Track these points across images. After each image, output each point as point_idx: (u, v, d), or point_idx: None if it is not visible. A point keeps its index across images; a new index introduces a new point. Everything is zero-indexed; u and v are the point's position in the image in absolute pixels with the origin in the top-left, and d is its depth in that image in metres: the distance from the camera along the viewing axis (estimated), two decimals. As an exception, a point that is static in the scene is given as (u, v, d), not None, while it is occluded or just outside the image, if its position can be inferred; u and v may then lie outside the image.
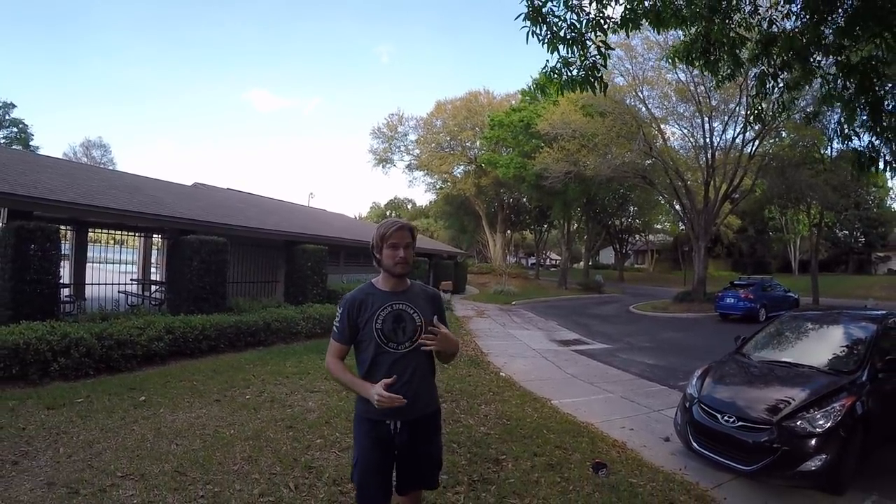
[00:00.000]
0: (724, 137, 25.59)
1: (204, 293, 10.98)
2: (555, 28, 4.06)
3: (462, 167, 43.40)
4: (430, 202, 59.45)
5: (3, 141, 45.59)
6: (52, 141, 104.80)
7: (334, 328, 2.84)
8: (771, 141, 24.91)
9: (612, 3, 4.18)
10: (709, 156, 25.29)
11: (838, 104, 4.90)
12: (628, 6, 4.26)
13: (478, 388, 7.93)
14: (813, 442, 4.54)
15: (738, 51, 5.34)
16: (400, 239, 2.75)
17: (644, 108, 25.65)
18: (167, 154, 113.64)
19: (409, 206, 77.82)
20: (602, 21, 4.13)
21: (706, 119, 24.67)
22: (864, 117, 4.67)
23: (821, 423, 4.60)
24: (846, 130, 4.77)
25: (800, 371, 5.54)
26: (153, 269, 18.70)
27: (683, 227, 33.69)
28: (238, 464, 4.61)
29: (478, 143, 40.84)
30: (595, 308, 25.50)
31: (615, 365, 10.91)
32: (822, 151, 24.11)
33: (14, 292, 8.59)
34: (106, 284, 11.85)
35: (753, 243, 56.75)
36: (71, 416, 5.71)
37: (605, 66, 4.33)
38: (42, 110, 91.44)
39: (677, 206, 28.53)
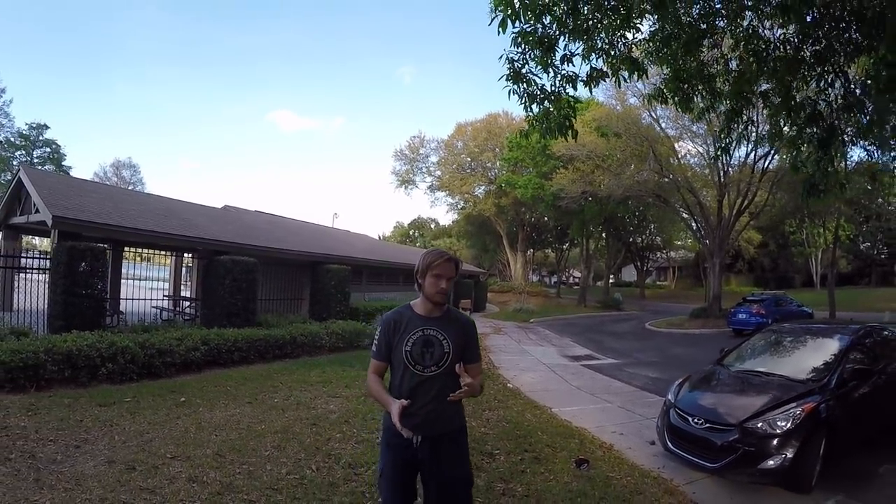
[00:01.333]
0: (736, 155, 26.04)
1: (235, 309, 11.90)
2: (529, 89, 4.84)
3: (483, 187, 44.21)
4: (453, 222, 60.19)
5: (36, 161, 47.45)
6: (82, 161, 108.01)
7: (373, 346, 3.01)
8: (783, 157, 25.29)
9: (585, 61, 4.95)
10: (721, 173, 25.72)
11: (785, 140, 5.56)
12: (594, 67, 5.01)
13: (484, 397, 8.58)
14: (773, 442, 5.05)
15: (714, 84, 6.02)
16: (444, 271, 2.87)
17: (658, 127, 26.25)
18: (192, 174, 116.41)
19: (433, 226, 78.55)
20: (570, 78, 4.89)
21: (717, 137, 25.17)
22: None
23: (780, 424, 5.12)
24: (796, 164, 5.45)
25: (769, 379, 6.06)
26: (184, 286, 19.74)
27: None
28: (268, 451, 5.42)
29: (497, 164, 41.66)
30: (611, 325, 25.93)
31: (620, 378, 11.47)
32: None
33: (66, 305, 9.60)
34: (141, 300, 12.83)
35: (775, 258, 56.27)
36: (121, 412, 6.56)
37: (574, 118, 5.08)
38: (72, 130, 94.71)
39: (692, 223, 28.93)
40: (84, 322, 9.36)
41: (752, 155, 24.64)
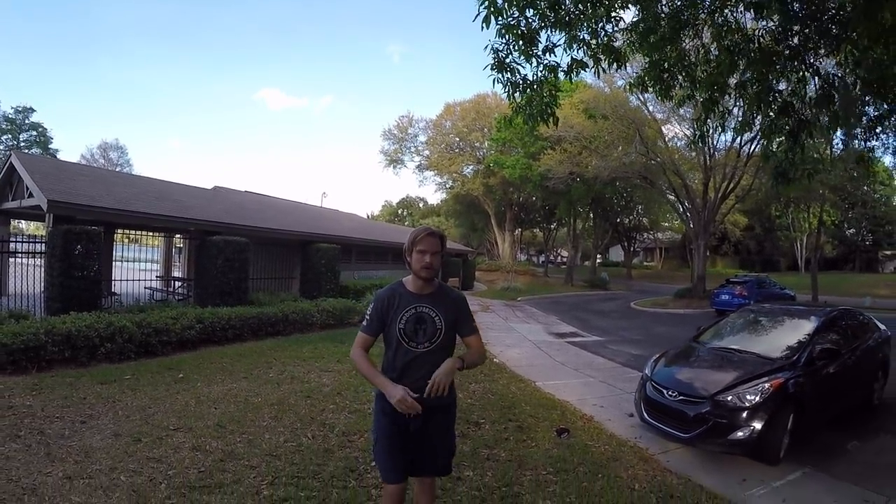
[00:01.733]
0: (722, 139, 26.38)
1: (228, 288, 12.14)
2: (513, 78, 5.08)
3: (471, 167, 44.30)
4: (441, 201, 60.24)
5: (23, 144, 46.96)
6: (69, 144, 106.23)
7: (364, 320, 3.06)
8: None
9: (567, 51, 5.19)
10: (707, 156, 26.07)
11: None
12: (574, 58, 5.25)
13: (471, 371, 8.90)
14: (742, 414, 5.35)
15: (694, 73, 6.27)
16: (428, 246, 2.92)
17: (645, 110, 26.50)
18: (180, 154, 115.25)
19: (421, 205, 78.49)
20: (552, 68, 5.13)
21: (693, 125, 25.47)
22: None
23: (749, 398, 5.41)
24: (767, 153, 5.74)
25: (742, 356, 6.37)
26: (175, 267, 19.92)
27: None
28: (266, 421, 5.74)
29: (486, 144, 41.76)
30: (597, 304, 26.36)
31: (603, 355, 11.83)
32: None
33: (63, 287, 9.78)
34: (134, 281, 13.02)
35: (761, 241, 56.97)
36: (122, 389, 6.81)
37: (557, 106, 5.33)
38: (56, 113, 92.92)
39: (678, 206, 29.32)
40: (81, 304, 9.55)
41: (739, 140, 24.95)
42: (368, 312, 3.05)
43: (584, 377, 9.44)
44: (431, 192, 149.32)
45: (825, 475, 5.24)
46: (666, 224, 54.95)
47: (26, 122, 47.62)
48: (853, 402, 7.04)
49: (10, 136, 46.44)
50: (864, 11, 4.51)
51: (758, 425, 5.28)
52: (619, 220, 47.84)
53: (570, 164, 28.22)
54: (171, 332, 9.32)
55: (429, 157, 45.69)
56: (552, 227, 49.61)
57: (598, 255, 51.90)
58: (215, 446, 4.99)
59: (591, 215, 42.53)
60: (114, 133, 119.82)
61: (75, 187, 12.06)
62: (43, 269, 10.82)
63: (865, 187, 44.72)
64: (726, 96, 5.90)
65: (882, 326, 8.25)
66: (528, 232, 60.76)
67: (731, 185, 26.58)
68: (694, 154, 27.55)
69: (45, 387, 6.74)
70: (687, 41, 6.08)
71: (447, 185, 49.20)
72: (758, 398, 5.40)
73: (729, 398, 5.48)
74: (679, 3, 5.79)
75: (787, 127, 5.62)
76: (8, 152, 44.01)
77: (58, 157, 46.76)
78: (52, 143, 49.30)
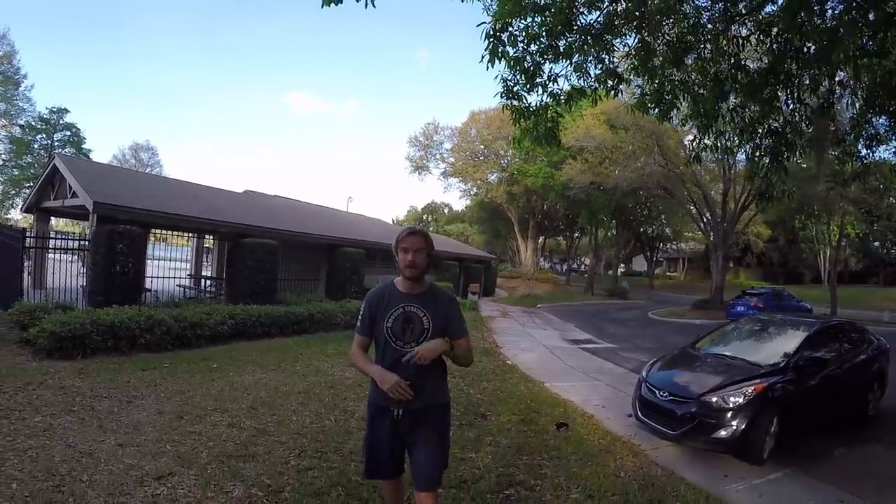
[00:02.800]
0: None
1: (258, 288, 12.89)
2: (520, 105, 5.66)
3: (495, 175, 44.81)
4: (466, 207, 60.79)
5: (57, 144, 48.29)
6: (100, 144, 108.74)
7: (357, 322, 3.14)
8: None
9: (569, 80, 5.76)
10: (727, 167, 26.23)
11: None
12: (574, 86, 5.81)
13: (484, 371, 9.48)
14: (726, 415, 5.75)
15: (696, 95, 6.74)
16: (410, 244, 2.94)
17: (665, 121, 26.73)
18: (208, 155, 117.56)
19: (446, 211, 79.10)
20: (555, 95, 5.70)
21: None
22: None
23: (733, 400, 5.81)
24: (752, 173, 6.23)
25: (732, 362, 6.76)
26: (204, 266, 20.79)
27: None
28: (294, 406, 6.42)
29: (510, 152, 42.23)
30: (615, 313, 26.66)
31: (614, 361, 12.25)
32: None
33: (106, 282, 10.58)
34: (166, 278, 13.84)
35: (785, 253, 56.35)
36: (162, 375, 7.51)
37: (558, 130, 5.90)
38: (89, 113, 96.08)
39: (696, 216, 29.47)
40: (122, 298, 10.29)
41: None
42: (360, 312, 3.12)
43: (591, 380, 9.90)
44: (456, 198, 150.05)
45: (806, 477, 5.52)
46: (689, 234, 54.82)
47: (60, 122, 48.86)
48: (845, 412, 7.32)
49: (44, 135, 47.77)
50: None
51: (741, 426, 5.65)
52: (641, 229, 47.90)
53: (591, 174, 28.65)
54: (205, 327, 10.04)
55: (453, 165, 46.36)
56: (575, 235, 49.88)
57: (622, 265, 51.95)
58: (248, 424, 5.64)
59: (614, 224, 42.71)
60: (143, 133, 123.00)
61: (115, 189, 12.92)
62: (85, 265, 11.65)
63: (892, 199, 44.14)
64: (720, 118, 6.37)
65: (880, 340, 8.51)
66: (551, 240, 61.03)
67: (751, 198, 26.64)
68: (714, 165, 27.69)
69: (91, 371, 7.43)
70: (689, 65, 6.57)
71: (471, 192, 49.84)
72: (741, 400, 5.78)
73: (714, 399, 5.88)
74: (682, 29, 6.29)
75: (769, 150, 6.12)
76: (42, 151, 45.94)
77: (91, 157, 48.34)
78: (84, 143, 50.75)
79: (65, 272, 11.23)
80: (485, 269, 30.41)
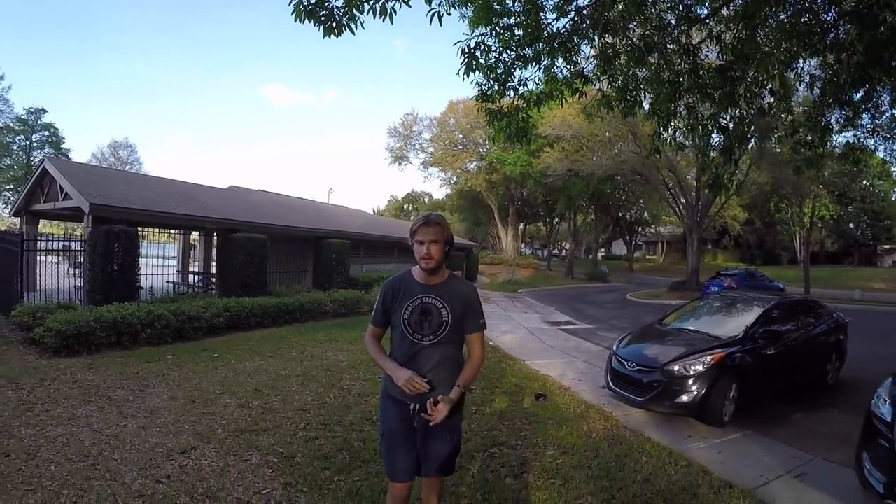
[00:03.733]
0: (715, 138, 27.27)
1: (249, 280, 13.40)
2: (493, 107, 6.25)
3: (474, 163, 45.32)
4: (446, 196, 61.30)
5: (35, 144, 48.04)
6: (78, 142, 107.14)
7: (372, 311, 3.05)
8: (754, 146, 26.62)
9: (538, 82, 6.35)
10: (698, 153, 26.97)
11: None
12: (541, 91, 6.41)
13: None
14: (686, 381, 6.37)
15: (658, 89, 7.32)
16: (424, 235, 2.81)
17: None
18: (187, 150, 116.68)
19: (426, 200, 79.55)
20: (525, 98, 6.30)
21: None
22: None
23: (693, 368, 6.44)
24: (704, 166, 6.89)
25: (694, 335, 7.43)
26: (191, 262, 21.14)
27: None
28: (295, 387, 7.01)
29: (488, 141, 42.73)
30: (595, 296, 27.49)
31: (591, 340, 12.97)
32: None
33: (104, 281, 10.99)
34: (155, 275, 14.28)
35: (762, 235, 57.79)
36: (168, 366, 8.01)
37: (528, 129, 6.51)
38: (63, 111, 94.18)
39: (672, 201, 30.30)
40: (120, 296, 10.72)
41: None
42: (376, 303, 3.04)
43: (569, 358, 10.54)
44: (436, 187, 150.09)
45: (764, 437, 6.05)
46: (667, 219, 55.92)
47: (38, 122, 48.57)
48: (805, 380, 7.96)
49: (23, 136, 47.45)
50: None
51: (700, 391, 6.27)
52: (620, 214, 48.78)
53: (568, 161, 29.39)
54: (202, 320, 10.52)
55: (433, 154, 46.73)
56: (555, 221, 50.64)
57: (602, 249, 52.87)
58: (256, 404, 6.22)
59: (592, 209, 43.51)
60: (118, 129, 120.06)
61: (108, 190, 13.28)
62: (74, 265, 12.06)
63: (865, 182, 45.57)
64: (677, 115, 6.98)
65: (839, 315, 9.22)
66: (532, 226, 61.74)
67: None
68: (687, 151, 28.40)
69: (99, 365, 7.89)
70: (652, 63, 7.15)
71: (451, 181, 50.27)
72: (701, 368, 6.40)
73: (676, 368, 6.50)
74: (645, 31, 6.87)
75: (719, 145, 6.80)
76: (21, 152, 45.62)
77: (70, 156, 48.14)
78: (63, 142, 50.44)
79: (51, 273, 11.64)
80: (466, 257, 30.98)
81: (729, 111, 6.54)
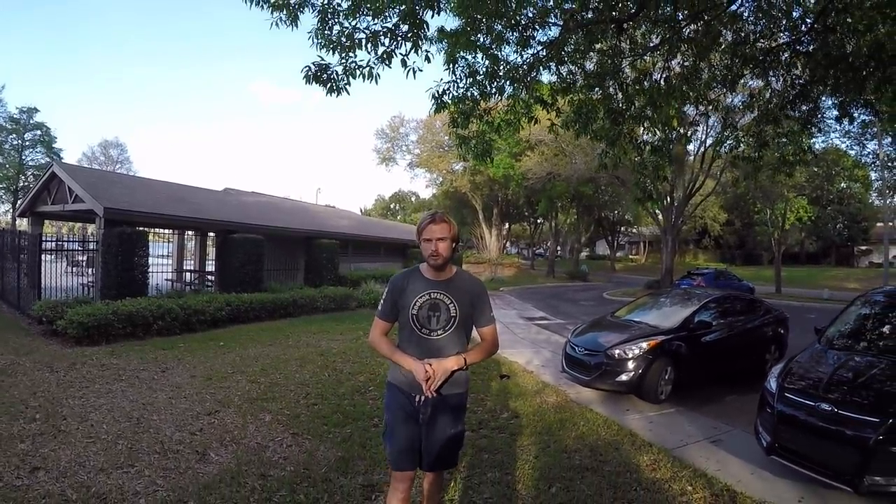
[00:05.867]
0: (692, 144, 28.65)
1: (246, 278, 14.53)
2: (462, 132, 7.48)
3: (460, 165, 46.35)
4: (432, 196, 62.22)
5: (27, 143, 48.51)
6: (69, 141, 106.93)
7: (379, 306, 3.06)
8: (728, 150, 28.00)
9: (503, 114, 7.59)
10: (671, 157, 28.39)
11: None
12: (503, 119, 7.63)
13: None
14: (626, 363, 7.53)
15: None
16: (432, 233, 2.86)
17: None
18: (176, 148, 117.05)
19: (413, 199, 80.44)
20: (490, 124, 7.54)
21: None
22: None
23: (631, 351, 7.60)
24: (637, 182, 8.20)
25: (636, 325, 8.60)
26: (187, 261, 22.14)
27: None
28: (294, 368, 8.25)
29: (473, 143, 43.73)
30: (573, 294, 28.80)
31: (562, 334, 13.99)
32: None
33: (118, 278, 12.05)
34: (155, 273, 15.21)
35: (743, 236, 58.64)
36: (181, 352, 9.16)
37: (491, 150, 7.76)
38: (53, 110, 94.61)
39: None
40: (131, 292, 11.79)
41: (701, 146, 27.26)
42: (383, 297, 3.06)
43: (537, 348, 11.69)
44: (423, 186, 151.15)
45: (693, 412, 7.02)
46: (648, 219, 57.24)
47: (30, 121, 48.96)
48: (743, 367, 8.93)
49: (15, 135, 47.82)
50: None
51: (637, 371, 7.41)
52: (602, 215, 49.97)
53: (547, 164, 30.65)
54: (206, 313, 11.66)
55: (419, 156, 47.75)
56: (538, 221, 51.79)
57: (586, 249, 54.02)
58: (263, 380, 7.46)
59: (573, 211, 44.70)
60: (108, 130, 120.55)
61: (116, 194, 14.32)
62: (87, 264, 13.07)
63: (843, 185, 47.06)
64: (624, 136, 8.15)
65: (778, 310, 10.43)
66: (517, 226, 62.78)
67: (697, 185, 28.97)
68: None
69: (120, 353, 8.98)
70: (606, 87, 8.30)
71: (437, 182, 51.26)
72: (637, 351, 7.55)
73: (616, 352, 7.65)
74: (603, 59, 8.02)
75: (650, 163, 8.11)
76: (14, 152, 46.07)
77: (62, 155, 48.77)
78: (56, 142, 50.86)
79: (50, 272, 12.57)
80: (451, 256, 32.01)
81: (657, 133, 7.79)
